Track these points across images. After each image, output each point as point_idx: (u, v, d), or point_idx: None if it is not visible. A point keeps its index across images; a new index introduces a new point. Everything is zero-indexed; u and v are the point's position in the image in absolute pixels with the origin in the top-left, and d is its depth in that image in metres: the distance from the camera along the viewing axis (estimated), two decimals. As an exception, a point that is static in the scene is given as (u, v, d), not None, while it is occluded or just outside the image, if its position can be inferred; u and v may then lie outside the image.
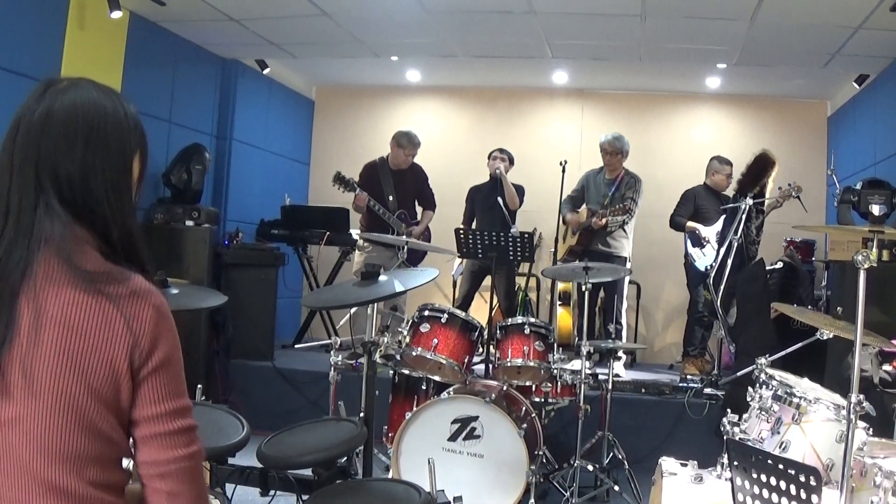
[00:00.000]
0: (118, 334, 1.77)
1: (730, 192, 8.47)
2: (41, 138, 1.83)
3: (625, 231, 8.37)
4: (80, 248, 1.81)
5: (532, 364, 5.90)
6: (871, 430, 3.68)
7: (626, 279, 8.61)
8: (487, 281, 8.23)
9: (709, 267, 7.78)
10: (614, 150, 8.38)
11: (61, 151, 1.84)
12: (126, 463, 1.88)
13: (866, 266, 3.08)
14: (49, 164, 1.82)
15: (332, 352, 5.33)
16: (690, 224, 8.51)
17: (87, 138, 1.86)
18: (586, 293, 6.17)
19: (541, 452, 5.75)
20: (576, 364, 6.11)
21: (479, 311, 8.35)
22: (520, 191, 8.57)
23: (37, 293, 1.74)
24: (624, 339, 8.56)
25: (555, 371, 5.96)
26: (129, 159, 1.96)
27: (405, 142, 8.63)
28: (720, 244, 7.75)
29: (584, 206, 8.55)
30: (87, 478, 1.75)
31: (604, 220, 8.10)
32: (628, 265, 8.36)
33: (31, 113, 1.85)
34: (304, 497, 3.90)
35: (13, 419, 1.71)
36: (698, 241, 8.46)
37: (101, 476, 1.78)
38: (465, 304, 8.51)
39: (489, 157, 8.67)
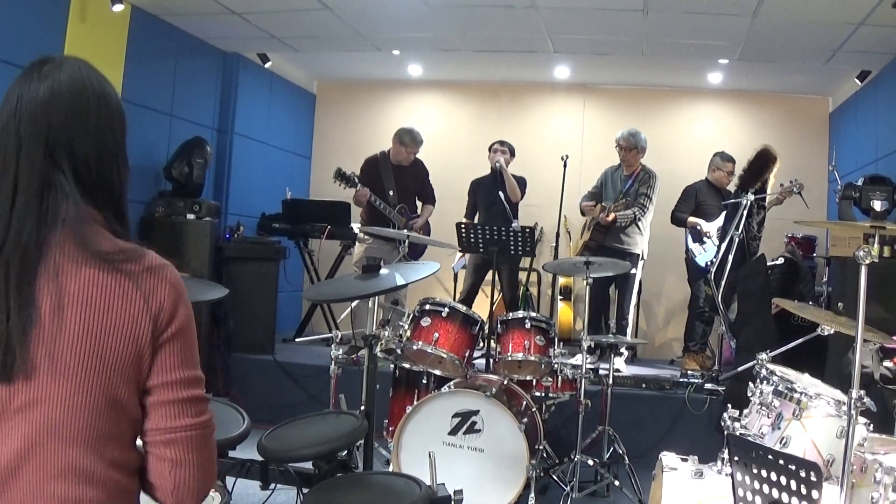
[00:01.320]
0: (139, 311, 1.78)
1: (731, 187, 8.46)
2: (50, 113, 1.80)
3: (639, 227, 8.33)
4: (91, 228, 1.80)
5: (533, 358, 5.91)
6: (872, 425, 3.67)
7: (638, 276, 8.59)
8: (489, 275, 8.24)
9: (709, 262, 7.77)
10: (629, 146, 8.36)
11: (74, 127, 1.82)
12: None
13: (867, 262, 3.08)
14: (62, 140, 1.81)
15: (332, 345, 5.33)
16: (691, 219, 8.51)
17: (98, 111, 1.87)
18: (587, 288, 6.16)
19: (541, 447, 5.75)
20: (577, 359, 6.11)
21: (480, 305, 8.34)
22: (521, 182, 8.57)
23: (58, 274, 1.73)
24: (628, 336, 8.55)
25: (555, 366, 5.96)
26: (125, 135, 1.96)
27: (408, 140, 8.63)
28: (721, 240, 7.74)
29: (600, 203, 8.54)
30: (107, 458, 1.75)
31: (611, 216, 8.10)
32: (641, 262, 8.37)
33: (35, 89, 1.83)
34: (305, 490, 3.90)
35: (35, 401, 1.70)
36: (699, 237, 8.46)
37: (120, 455, 1.78)
38: (469, 297, 8.51)
39: (490, 150, 8.67)
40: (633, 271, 8.00)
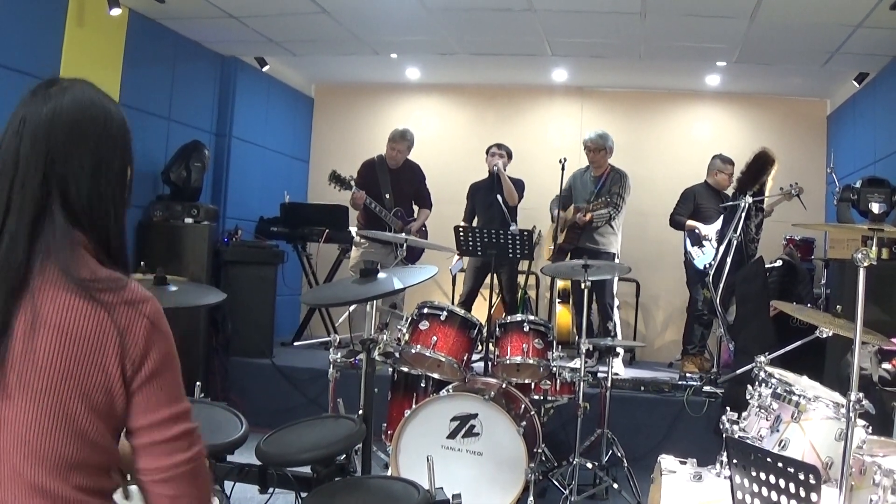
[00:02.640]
0: (110, 343, 1.76)
1: (729, 190, 8.46)
2: (50, 137, 1.81)
3: (612, 227, 8.38)
4: (76, 253, 1.80)
5: (531, 362, 5.91)
6: (871, 428, 3.67)
7: (616, 276, 8.59)
8: (487, 278, 8.23)
9: (708, 265, 7.76)
10: (597, 147, 8.42)
11: (72, 151, 1.82)
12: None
13: (866, 264, 3.08)
14: (59, 165, 1.81)
15: (331, 349, 5.34)
16: (690, 223, 8.51)
17: (98, 139, 1.87)
18: (584, 291, 6.16)
19: (540, 450, 5.75)
20: (575, 362, 6.11)
21: (479, 308, 8.34)
22: (519, 185, 8.59)
23: (34, 297, 1.73)
24: (619, 336, 8.55)
25: (554, 369, 5.96)
26: (127, 164, 1.95)
27: (393, 135, 8.67)
28: (720, 242, 7.75)
29: (572, 205, 8.55)
30: (72, 482, 1.74)
31: (588, 216, 8.12)
32: (617, 260, 8.38)
33: (38, 111, 1.82)
34: (303, 494, 3.90)
35: (6, 420, 1.71)
36: (697, 240, 8.46)
37: (87, 482, 1.77)
38: (468, 301, 8.52)
39: (487, 153, 8.69)
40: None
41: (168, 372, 1.87)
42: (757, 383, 4.14)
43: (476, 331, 6.00)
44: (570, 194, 8.69)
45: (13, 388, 1.70)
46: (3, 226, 1.77)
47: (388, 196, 8.61)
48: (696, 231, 8.43)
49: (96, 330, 1.75)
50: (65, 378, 1.72)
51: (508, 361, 5.96)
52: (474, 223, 8.76)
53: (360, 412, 4.14)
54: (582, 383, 5.97)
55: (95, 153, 1.85)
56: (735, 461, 3.03)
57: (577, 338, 6.17)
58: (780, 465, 2.83)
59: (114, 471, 1.87)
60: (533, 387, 6.05)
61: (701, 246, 8.40)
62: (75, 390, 1.73)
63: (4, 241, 1.75)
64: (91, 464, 1.78)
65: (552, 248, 8.50)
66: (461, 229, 7.21)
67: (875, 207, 6.68)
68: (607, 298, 8.41)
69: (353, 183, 8.26)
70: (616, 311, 8.65)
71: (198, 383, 4.39)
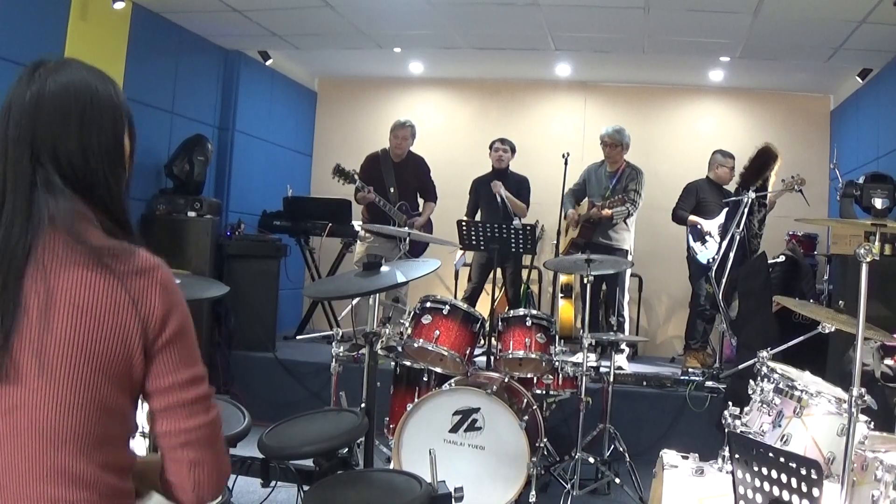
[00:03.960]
0: (127, 314, 1.77)
1: (732, 185, 8.45)
2: (35, 118, 1.83)
3: (626, 224, 8.37)
4: (84, 224, 1.81)
5: (533, 356, 5.90)
6: (873, 423, 3.68)
7: (628, 272, 8.60)
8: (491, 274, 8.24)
9: (710, 260, 7.76)
10: (614, 143, 8.37)
11: (57, 130, 1.84)
12: (133, 442, 1.89)
13: (868, 260, 3.07)
14: (46, 143, 1.82)
15: (333, 343, 5.35)
16: (692, 218, 8.49)
17: (81, 117, 1.87)
18: (588, 285, 6.15)
19: (542, 444, 5.74)
20: (578, 356, 6.11)
21: (481, 303, 8.35)
22: (524, 183, 8.62)
23: (46, 274, 1.73)
24: (626, 332, 8.56)
25: (556, 363, 5.96)
26: (121, 136, 1.96)
27: (395, 125, 8.70)
28: (722, 237, 7.74)
29: (585, 199, 8.54)
30: (96, 460, 1.74)
31: (607, 211, 8.10)
32: (630, 257, 8.38)
33: (23, 94, 1.85)
34: (305, 487, 3.90)
35: (21, 404, 1.70)
36: (700, 235, 8.44)
37: (110, 457, 1.78)
38: (473, 297, 8.54)
39: (491, 148, 8.69)
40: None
41: (186, 335, 1.90)
42: (759, 378, 4.14)
43: (478, 325, 6.00)
44: (583, 188, 8.68)
45: (28, 370, 1.70)
46: (1, 208, 1.78)
47: (392, 190, 8.61)
48: (699, 226, 8.42)
49: (112, 302, 1.76)
50: (85, 354, 1.72)
51: (511, 356, 5.96)
52: (477, 217, 8.76)
53: (363, 405, 4.15)
54: (584, 378, 5.97)
55: (81, 129, 1.86)
56: (737, 456, 3.03)
57: (581, 332, 6.14)
58: (782, 460, 2.83)
59: (132, 441, 1.88)
60: (535, 381, 6.05)
61: (703, 241, 8.39)
62: (96, 364, 1.73)
63: (3, 221, 1.77)
64: (113, 437, 1.79)
65: (556, 242, 8.51)
66: (464, 223, 7.22)
67: (878, 203, 6.67)
68: (619, 295, 8.41)
69: (356, 177, 8.25)
70: (626, 306, 8.63)
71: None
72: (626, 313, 8.59)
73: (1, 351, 1.69)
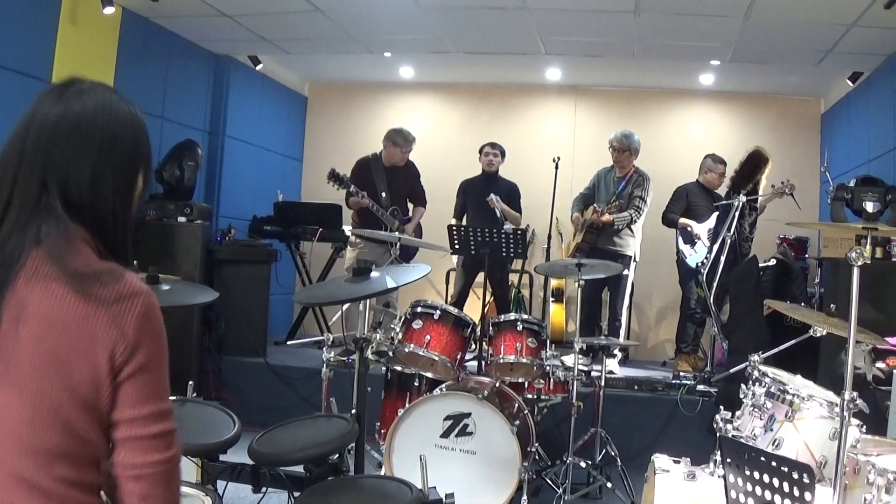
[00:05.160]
0: (100, 334, 1.75)
1: (723, 189, 8.46)
2: (53, 140, 1.84)
3: (631, 230, 8.34)
4: (73, 245, 1.80)
5: (525, 361, 5.89)
6: (865, 427, 3.67)
7: (630, 277, 8.58)
8: (479, 277, 8.22)
9: (700, 264, 7.76)
10: (622, 147, 8.35)
11: (72, 157, 1.84)
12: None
13: (860, 263, 3.07)
14: (58, 168, 1.83)
15: (324, 348, 5.33)
16: (683, 220, 8.49)
17: (101, 147, 1.88)
18: (579, 290, 6.15)
19: (533, 449, 5.74)
20: (569, 360, 6.11)
21: (472, 307, 8.34)
22: (514, 189, 8.60)
23: (26, 288, 1.73)
24: (620, 337, 8.55)
25: (547, 367, 5.96)
26: (137, 172, 1.97)
27: (401, 140, 8.63)
28: (713, 241, 7.74)
29: (593, 205, 8.53)
30: (55, 474, 1.73)
31: (606, 217, 8.09)
32: (634, 263, 8.38)
33: (47, 111, 1.86)
34: (296, 494, 3.89)
35: None
36: (689, 239, 8.44)
37: (72, 474, 1.76)
38: (460, 300, 8.52)
39: (480, 152, 8.69)
40: (625, 273, 7.99)
41: (157, 369, 1.85)
42: (751, 382, 4.14)
43: (469, 330, 5.99)
44: (592, 192, 8.67)
45: (7, 377, 1.71)
46: (4, 216, 1.79)
47: (384, 195, 8.60)
48: (689, 229, 8.42)
49: (85, 323, 1.74)
50: (48, 367, 1.72)
51: (502, 360, 5.94)
52: (464, 221, 8.76)
53: (353, 411, 4.14)
54: (575, 382, 5.96)
55: (99, 156, 1.87)
56: (729, 460, 3.02)
57: (573, 336, 6.14)
58: (773, 464, 2.83)
59: (102, 465, 1.85)
60: (526, 386, 6.05)
61: (693, 244, 8.39)
62: (59, 380, 1.72)
63: (3, 233, 1.78)
64: (75, 455, 1.76)
65: (569, 246, 8.52)
66: (455, 228, 7.21)
67: (869, 206, 6.68)
68: (620, 299, 8.40)
69: (351, 182, 8.25)
70: (625, 311, 8.63)
71: (190, 382, 4.38)
72: (623, 319, 8.58)
73: None
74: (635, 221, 8.28)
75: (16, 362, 1.71)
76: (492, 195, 8.37)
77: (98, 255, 1.85)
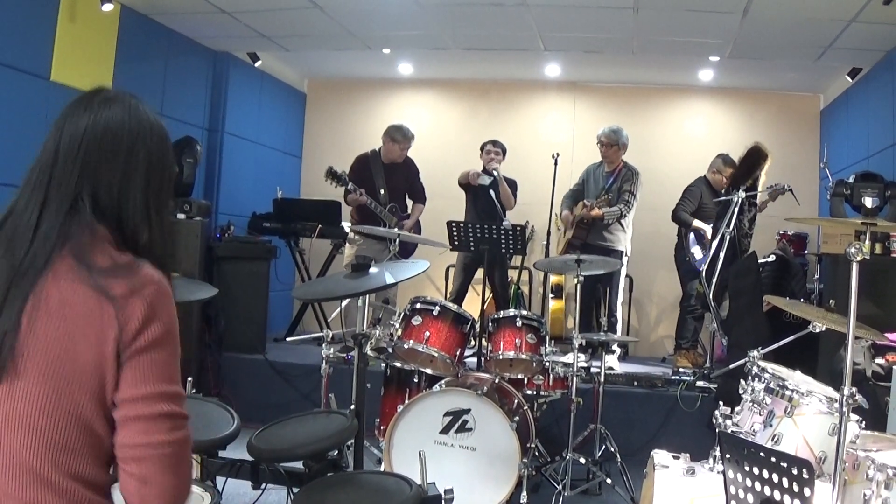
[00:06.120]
0: (108, 322, 1.77)
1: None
2: (87, 150, 1.90)
3: (622, 225, 8.34)
4: (96, 245, 1.85)
5: (524, 357, 5.91)
6: (864, 422, 3.67)
7: (623, 272, 8.59)
8: (479, 273, 8.22)
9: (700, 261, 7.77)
10: (610, 142, 8.35)
11: (103, 163, 1.91)
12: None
13: (859, 259, 3.07)
14: (91, 175, 1.89)
15: (323, 345, 5.33)
16: (698, 224, 8.46)
17: (129, 153, 1.94)
18: (578, 286, 6.14)
19: (533, 445, 5.74)
20: (568, 357, 6.10)
21: (471, 303, 8.33)
22: (512, 185, 8.58)
23: (50, 285, 1.78)
24: (618, 333, 8.55)
25: (547, 364, 5.95)
26: (164, 174, 2.02)
27: (399, 136, 8.62)
28: (713, 237, 7.74)
29: (582, 200, 8.53)
30: (66, 469, 1.74)
31: (595, 211, 8.10)
32: (625, 259, 8.37)
33: (76, 122, 1.92)
34: (296, 490, 3.89)
35: (4, 400, 1.74)
36: (701, 241, 8.42)
37: (83, 471, 1.77)
38: (459, 296, 8.51)
39: (482, 150, 8.66)
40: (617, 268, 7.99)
41: (163, 350, 1.84)
42: (750, 378, 4.14)
43: (469, 326, 5.99)
44: (582, 188, 8.67)
45: (17, 370, 1.74)
46: (40, 217, 1.84)
47: (382, 191, 8.60)
48: (702, 232, 8.41)
49: (94, 312, 1.77)
50: (63, 361, 1.74)
51: (501, 356, 5.95)
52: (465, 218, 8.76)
53: (353, 407, 4.14)
54: (575, 378, 5.96)
55: (127, 164, 1.94)
56: (728, 456, 3.02)
57: (572, 332, 6.14)
58: (773, 459, 2.83)
59: (111, 465, 1.86)
60: (526, 382, 6.05)
61: (705, 247, 8.38)
62: (73, 373, 1.75)
63: (40, 234, 1.82)
64: (86, 451, 1.78)
65: (560, 243, 8.52)
66: (454, 224, 7.21)
67: (868, 202, 6.68)
68: (614, 295, 8.40)
69: (349, 180, 8.24)
70: (619, 307, 8.62)
71: (189, 378, 4.38)
72: (619, 314, 8.58)
73: (9, 352, 1.73)
74: (625, 216, 8.29)
75: (32, 357, 1.73)
76: (497, 165, 8.41)
77: (119, 250, 1.88)
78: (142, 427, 1.79)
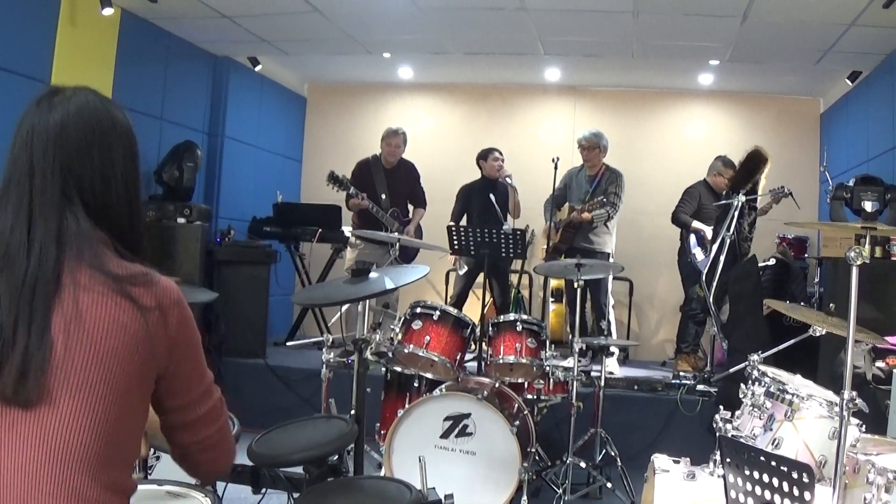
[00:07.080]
0: (141, 337, 1.81)
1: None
2: (62, 146, 1.87)
3: (607, 227, 8.39)
4: (103, 251, 1.86)
5: (524, 361, 5.90)
6: (864, 426, 3.67)
7: (610, 275, 8.58)
8: (480, 278, 8.21)
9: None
10: (591, 145, 8.41)
11: (82, 159, 1.89)
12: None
13: (859, 262, 3.07)
14: (73, 171, 1.87)
15: (323, 349, 5.33)
16: (697, 225, 8.47)
17: (102, 145, 1.93)
18: (577, 290, 6.14)
19: (533, 449, 5.73)
20: (568, 361, 6.10)
21: (472, 308, 8.34)
22: (512, 192, 8.59)
23: (70, 298, 1.76)
24: (614, 335, 8.55)
25: (547, 368, 5.95)
26: (135, 164, 2.02)
27: (387, 133, 8.69)
28: (713, 241, 7.74)
29: (566, 204, 8.54)
30: (103, 480, 1.74)
31: (586, 215, 8.11)
32: (611, 261, 8.37)
33: (45, 121, 1.89)
34: (296, 495, 3.89)
35: (40, 424, 1.70)
36: (702, 242, 8.43)
37: (117, 478, 1.79)
38: (459, 301, 8.52)
39: (487, 157, 8.66)
40: None
41: (195, 351, 1.99)
42: (750, 382, 4.13)
43: (469, 330, 5.99)
44: (564, 193, 8.67)
45: (54, 392, 1.71)
46: (30, 233, 1.80)
47: (384, 196, 8.60)
48: (702, 233, 8.41)
49: (126, 325, 1.79)
50: (102, 375, 1.75)
51: (501, 361, 5.95)
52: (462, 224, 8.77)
53: (353, 412, 4.13)
54: (575, 382, 5.96)
55: (105, 158, 1.93)
56: (728, 460, 3.02)
57: (570, 337, 6.14)
58: (773, 463, 2.82)
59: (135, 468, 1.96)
60: (526, 386, 6.04)
61: (705, 248, 8.38)
62: (112, 385, 1.76)
63: (35, 248, 1.78)
64: (119, 458, 1.81)
65: (546, 247, 8.51)
66: (454, 229, 7.21)
67: (868, 206, 6.68)
68: (602, 298, 8.41)
69: (350, 185, 8.25)
70: (611, 310, 8.63)
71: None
72: (611, 316, 8.58)
73: (40, 374, 1.70)
74: (612, 218, 8.35)
75: (70, 376, 1.72)
76: (508, 173, 8.45)
77: (119, 257, 1.89)
78: (199, 426, 2.02)
